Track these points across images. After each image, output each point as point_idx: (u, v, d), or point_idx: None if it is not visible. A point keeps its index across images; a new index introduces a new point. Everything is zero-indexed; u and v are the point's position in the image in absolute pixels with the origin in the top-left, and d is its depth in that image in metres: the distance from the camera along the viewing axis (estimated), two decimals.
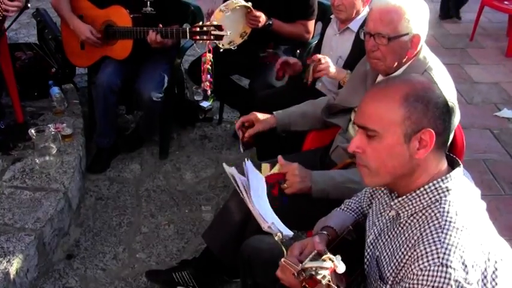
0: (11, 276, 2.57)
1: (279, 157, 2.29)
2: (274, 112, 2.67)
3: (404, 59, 2.16)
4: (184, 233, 3.23)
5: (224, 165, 2.21)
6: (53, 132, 3.35)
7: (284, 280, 1.59)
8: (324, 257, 1.43)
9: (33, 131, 3.26)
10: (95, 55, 3.67)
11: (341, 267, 1.42)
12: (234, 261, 2.42)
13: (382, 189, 1.71)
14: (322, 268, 1.39)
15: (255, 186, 2.11)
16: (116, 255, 3.06)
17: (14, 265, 2.60)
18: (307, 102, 2.76)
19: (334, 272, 1.42)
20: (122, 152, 3.97)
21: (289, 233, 2.02)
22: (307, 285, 1.40)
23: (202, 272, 2.73)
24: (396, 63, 2.18)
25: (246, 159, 2.21)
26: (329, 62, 2.90)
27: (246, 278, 2.20)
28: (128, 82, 3.65)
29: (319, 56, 2.93)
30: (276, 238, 1.73)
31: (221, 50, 3.28)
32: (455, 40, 6.31)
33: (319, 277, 1.38)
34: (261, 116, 2.64)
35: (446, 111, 1.43)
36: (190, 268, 2.74)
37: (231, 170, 2.16)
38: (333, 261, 1.41)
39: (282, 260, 1.57)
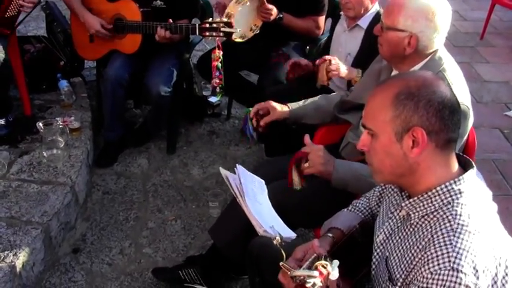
0: (17, 270, 2.57)
1: (306, 136, 2.27)
2: (288, 103, 2.66)
3: (401, 55, 2.14)
4: (191, 228, 3.22)
5: (220, 168, 2.20)
6: (60, 126, 3.35)
7: (284, 283, 1.58)
8: (316, 263, 1.43)
9: (41, 124, 3.26)
10: (103, 48, 3.66)
11: (334, 274, 1.41)
12: (241, 258, 2.40)
13: (393, 187, 1.69)
14: (310, 277, 1.39)
15: (249, 190, 2.09)
16: (122, 250, 3.05)
17: (20, 258, 2.60)
18: (321, 96, 2.75)
19: (328, 279, 1.42)
20: (129, 147, 3.95)
21: (291, 235, 2.01)
22: None
23: (209, 269, 2.72)
24: (390, 55, 2.20)
25: (236, 165, 2.19)
26: (339, 63, 2.89)
27: (254, 276, 2.19)
28: (136, 76, 3.64)
29: (327, 57, 2.92)
30: (275, 242, 1.72)
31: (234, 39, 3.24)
32: (466, 38, 6.27)
33: (308, 285, 1.38)
34: (277, 105, 2.62)
35: (443, 107, 1.39)
36: (196, 265, 2.73)
37: (225, 173, 2.15)
38: (325, 267, 1.41)
39: (280, 263, 1.56)
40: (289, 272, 1.45)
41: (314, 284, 1.37)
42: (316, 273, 1.39)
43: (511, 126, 4.42)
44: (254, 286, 2.29)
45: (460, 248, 1.32)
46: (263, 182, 2.26)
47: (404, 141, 1.41)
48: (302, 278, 1.39)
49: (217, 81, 3.13)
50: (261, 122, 2.60)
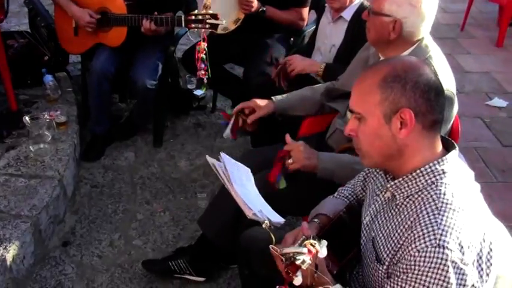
0: (8, 263, 2.57)
1: (286, 135, 2.31)
2: (272, 97, 2.68)
3: (386, 40, 2.17)
4: (180, 220, 3.24)
5: (207, 156, 2.21)
6: (47, 120, 3.35)
7: (278, 266, 1.61)
8: (305, 242, 1.44)
9: (27, 118, 3.25)
10: (88, 42, 3.65)
11: (323, 251, 1.43)
12: (230, 247, 2.43)
13: (378, 170, 1.73)
14: (299, 253, 1.40)
15: (236, 176, 2.11)
16: (111, 242, 3.06)
17: (11, 252, 2.60)
18: (306, 87, 2.77)
19: (317, 257, 1.43)
20: (115, 140, 3.96)
21: (279, 219, 2.02)
22: (289, 271, 1.41)
23: (198, 259, 2.74)
24: (376, 39, 2.24)
25: (220, 153, 2.21)
26: (296, 61, 3.03)
27: (243, 267, 2.22)
28: (122, 70, 3.64)
29: (283, 60, 3.09)
30: (264, 225, 1.74)
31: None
32: (446, 30, 6.34)
33: (298, 262, 1.38)
34: (261, 101, 2.65)
35: (428, 89, 1.43)
36: (186, 256, 2.75)
37: (212, 161, 2.17)
38: (313, 245, 1.42)
39: (270, 246, 1.57)
40: (278, 251, 1.47)
41: (303, 262, 1.38)
42: (304, 249, 1.40)
43: (492, 115, 4.50)
44: (243, 278, 2.33)
45: (445, 226, 1.36)
46: (249, 170, 2.29)
47: (392, 123, 1.45)
48: (291, 255, 1.40)
49: (203, 72, 3.13)
50: (248, 121, 2.64)
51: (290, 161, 2.25)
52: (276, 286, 1.51)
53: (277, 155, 2.29)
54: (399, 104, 1.43)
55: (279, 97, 2.70)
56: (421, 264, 1.35)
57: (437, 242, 1.34)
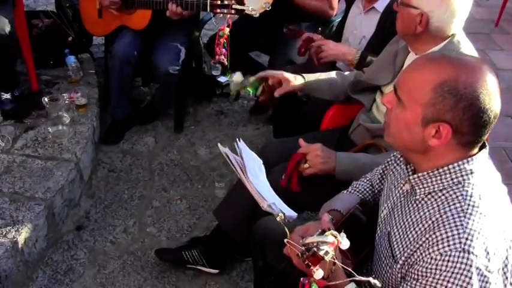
0: (19, 246, 2.55)
1: (300, 140, 2.23)
2: (303, 74, 2.55)
3: (413, 33, 2.08)
4: (196, 209, 3.19)
5: (219, 145, 2.14)
6: (66, 102, 3.32)
7: (292, 257, 1.53)
8: (326, 233, 1.36)
9: (46, 99, 3.23)
10: (112, 24, 3.61)
11: (345, 243, 1.34)
12: (245, 240, 2.37)
13: (398, 162, 1.67)
14: (324, 243, 1.31)
15: (250, 166, 2.04)
16: (126, 228, 3.03)
17: (23, 234, 2.58)
18: (337, 72, 2.67)
19: (339, 249, 1.36)
20: (136, 125, 3.92)
21: (292, 214, 1.96)
22: (310, 263, 1.32)
23: (213, 251, 2.70)
24: (403, 32, 2.15)
25: (237, 139, 2.15)
26: (329, 48, 2.83)
27: (257, 259, 2.16)
28: (145, 54, 3.60)
29: (317, 43, 2.88)
30: (278, 218, 1.68)
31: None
32: (480, 25, 6.17)
33: (321, 253, 1.30)
34: (289, 75, 2.48)
35: (480, 115, 1.31)
36: (200, 246, 2.72)
37: (225, 150, 2.09)
38: (335, 236, 1.34)
39: (285, 240, 1.51)
40: (301, 240, 1.38)
41: (327, 253, 1.30)
42: (330, 238, 1.32)
43: None
44: (257, 269, 2.27)
45: (471, 230, 1.29)
46: (261, 161, 2.22)
47: (427, 128, 1.36)
48: (315, 244, 1.32)
49: (223, 57, 3.07)
50: (275, 93, 2.48)
51: (306, 165, 2.17)
52: (288, 279, 1.44)
53: (292, 158, 2.20)
54: (442, 117, 1.33)
55: (310, 75, 2.56)
56: (443, 268, 1.29)
57: (462, 246, 1.28)
